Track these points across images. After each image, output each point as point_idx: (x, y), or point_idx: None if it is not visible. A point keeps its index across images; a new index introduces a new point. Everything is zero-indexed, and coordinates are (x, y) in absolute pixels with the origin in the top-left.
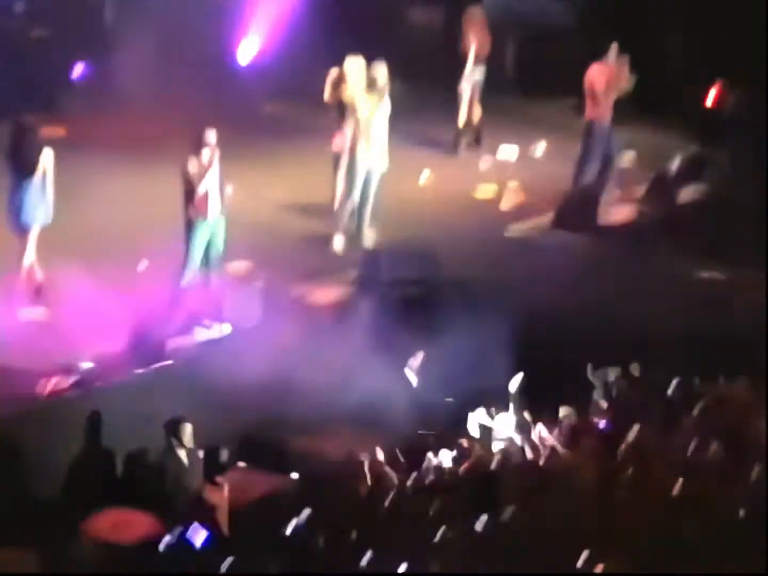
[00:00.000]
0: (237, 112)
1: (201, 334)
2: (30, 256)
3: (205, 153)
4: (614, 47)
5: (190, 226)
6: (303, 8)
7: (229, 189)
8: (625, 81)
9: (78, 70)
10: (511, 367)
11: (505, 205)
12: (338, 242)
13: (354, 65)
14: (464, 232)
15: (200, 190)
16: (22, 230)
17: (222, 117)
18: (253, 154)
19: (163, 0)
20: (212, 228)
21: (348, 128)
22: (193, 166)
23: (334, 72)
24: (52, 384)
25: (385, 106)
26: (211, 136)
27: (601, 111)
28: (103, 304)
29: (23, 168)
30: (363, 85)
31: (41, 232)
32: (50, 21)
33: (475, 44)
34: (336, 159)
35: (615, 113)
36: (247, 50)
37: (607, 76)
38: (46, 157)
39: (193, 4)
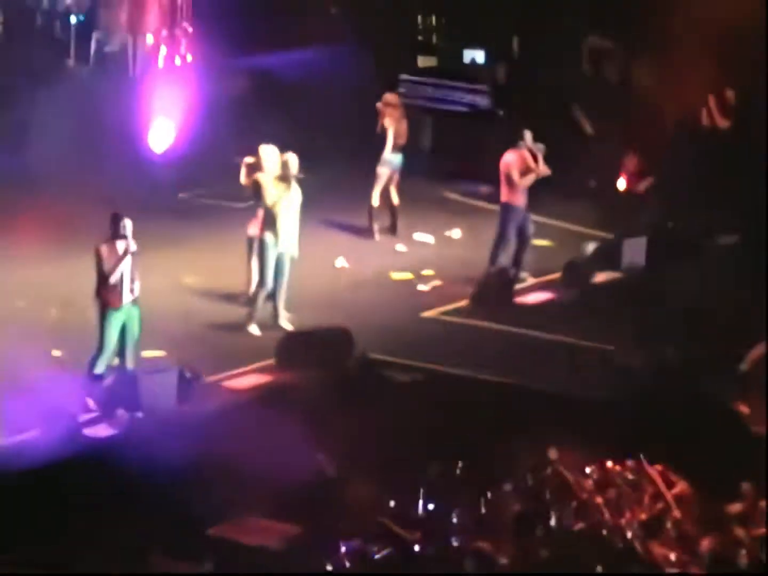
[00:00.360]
0: (151, 200)
1: (115, 423)
2: None
3: (120, 242)
4: (528, 134)
5: (103, 314)
6: (217, 96)
7: (137, 280)
8: (540, 167)
9: None
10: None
11: (422, 287)
12: (254, 328)
13: (268, 153)
14: (380, 314)
15: (113, 279)
16: None
17: (136, 204)
18: (168, 241)
19: (78, 88)
20: (126, 316)
21: (258, 214)
22: (107, 255)
23: (249, 158)
24: None
25: (295, 193)
26: (126, 226)
27: (515, 195)
28: (16, 390)
29: None
30: (274, 172)
31: None
32: None
33: (392, 129)
34: (250, 244)
35: (531, 197)
36: (162, 138)
37: (520, 161)
38: None
39: (107, 92)
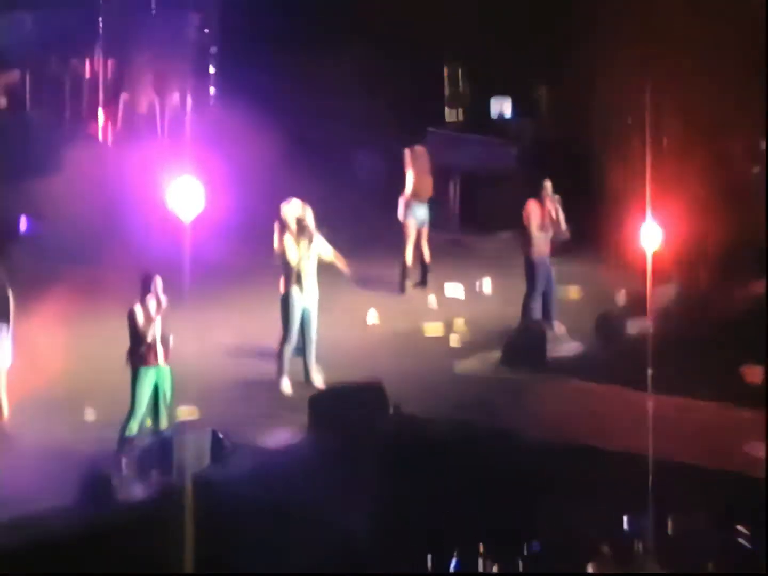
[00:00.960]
0: (183, 259)
1: (151, 483)
2: None
3: (152, 302)
4: (547, 185)
5: (135, 374)
6: (245, 156)
7: (171, 338)
8: (560, 219)
9: (24, 223)
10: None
11: (454, 341)
12: (286, 384)
13: (290, 209)
14: (413, 369)
15: (147, 338)
16: None
17: (167, 263)
18: (200, 300)
19: (106, 150)
20: (158, 376)
21: (283, 270)
22: (139, 315)
23: (278, 223)
24: None
25: (317, 246)
26: (157, 284)
27: (537, 246)
28: (50, 453)
29: None
30: (294, 227)
31: None
32: None
33: (418, 183)
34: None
35: (558, 249)
36: (190, 198)
37: (540, 212)
38: (10, 303)
39: (135, 154)
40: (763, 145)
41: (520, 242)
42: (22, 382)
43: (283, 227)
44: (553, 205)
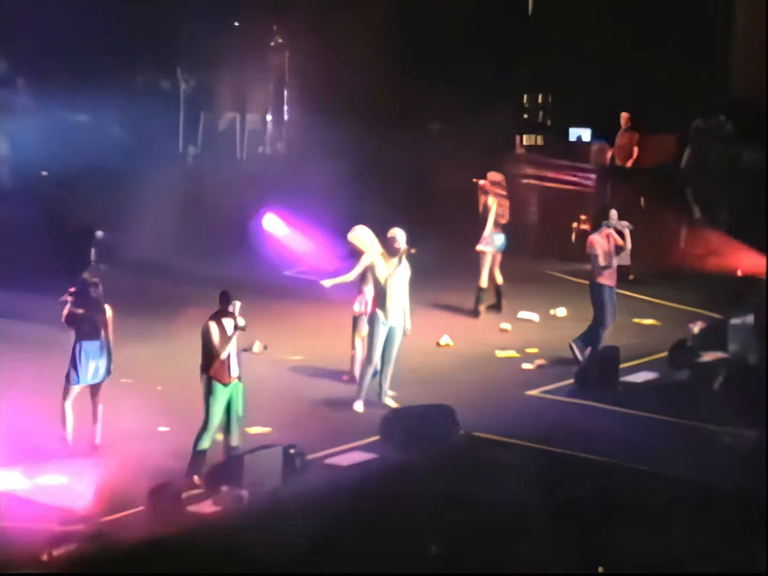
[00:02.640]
0: (257, 277)
1: (219, 500)
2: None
3: (228, 320)
4: (613, 213)
5: (210, 390)
6: (322, 176)
7: (257, 345)
8: (627, 245)
9: (100, 234)
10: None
11: (526, 365)
12: (359, 404)
13: (361, 233)
14: (484, 391)
15: (223, 355)
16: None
17: (243, 281)
18: (273, 318)
19: (186, 168)
20: (231, 392)
21: (368, 290)
22: (215, 333)
23: (361, 243)
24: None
25: (404, 268)
26: (235, 305)
27: (603, 275)
28: (122, 465)
29: (88, 325)
30: (378, 249)
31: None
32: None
33: (495, 209)
34: (355, 321)
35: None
36: (268, 218)
37: (605, 241)
38: (108, 320)
39: (214, 172)
40: None
41: (590, 269)
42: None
43: (366, 249)
44: (620, 233)
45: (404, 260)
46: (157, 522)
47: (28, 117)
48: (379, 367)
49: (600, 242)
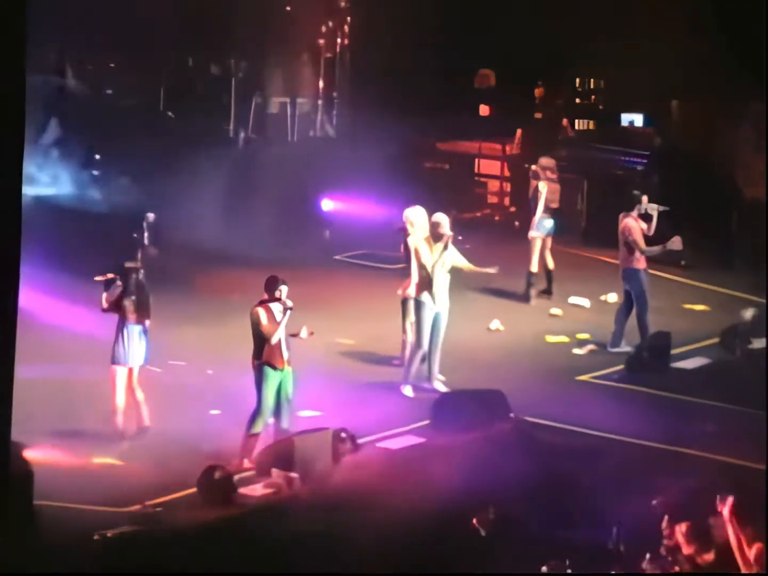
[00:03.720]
0: (308, 262)
1: (270, 483)
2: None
3: (277, 305)
4: (644, 198)
5: (262, 374)
6: (372, 161)
7: (304, 331)
8: (652, 229)
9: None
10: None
11: (577, 350)
12: (408, 388)
13: (415, 215)
14: (535, 376)
15: (271, 340)
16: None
17: (293, 265)
18: (323, 303)
19: (237, 151)
20: (282, 376)
21: (414, 275)
22: (264, 318)
23: (401, 225)
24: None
25: (449, 252)
26: (282, 290)
27: (639, 259)
28: (176, 448)
29: (131, 309)
30: (425, 233)
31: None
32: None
33: (545, 193)
34: (404, 305)
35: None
36: (319, 202)
37: (639, 227)
38: (149, 304)
39: (265, 156)
40: None
41: (623, 257)
42: (155, 380)
43: (405, 231)
44: (649, 217)
45: (450, 246)
46: (208, 504)
47: (80, 101)
48: (427, 352)
49: (634, 227)
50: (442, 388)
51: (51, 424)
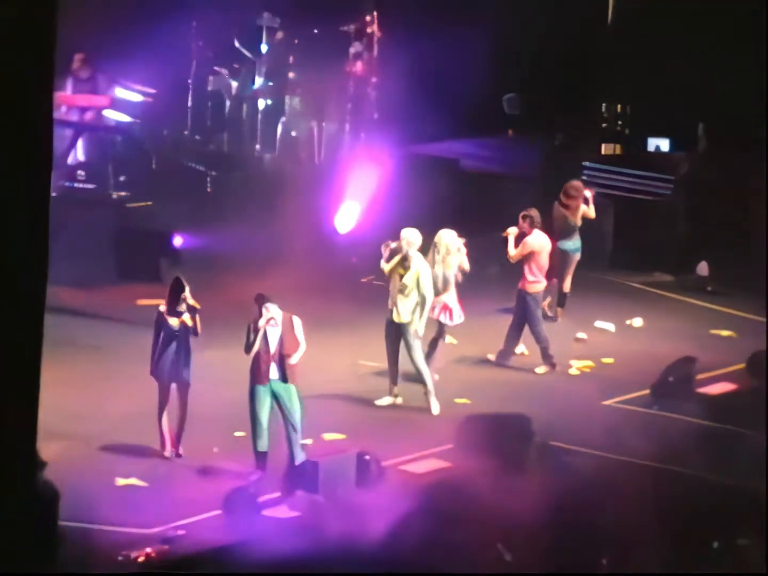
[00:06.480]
0: (334, 283)
1: (294, 505)
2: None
3: (261, 320)
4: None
5: (250, 391)
6: (399, 182)
7: (302, 348)
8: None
9: (179, 240)
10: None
11: (602, 375)
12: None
13: (412, 236)
14: (560, 401)
15: (250, 353)
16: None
17: (319, 287)
18: (348, 324)
19: (264, 172)
20: (273, 394)
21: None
22: (247, 334)
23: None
24: (144, 551)
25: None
26: (269, 307)
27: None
28: (200, 469)
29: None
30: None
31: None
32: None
33: (571, 217)
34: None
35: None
36: (346, 224)
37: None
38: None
39: (292, 177)
40: None
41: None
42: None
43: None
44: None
45: (452, 258)
46: (233, 526)
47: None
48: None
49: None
50: (436, 411)
51: (76, 444)
